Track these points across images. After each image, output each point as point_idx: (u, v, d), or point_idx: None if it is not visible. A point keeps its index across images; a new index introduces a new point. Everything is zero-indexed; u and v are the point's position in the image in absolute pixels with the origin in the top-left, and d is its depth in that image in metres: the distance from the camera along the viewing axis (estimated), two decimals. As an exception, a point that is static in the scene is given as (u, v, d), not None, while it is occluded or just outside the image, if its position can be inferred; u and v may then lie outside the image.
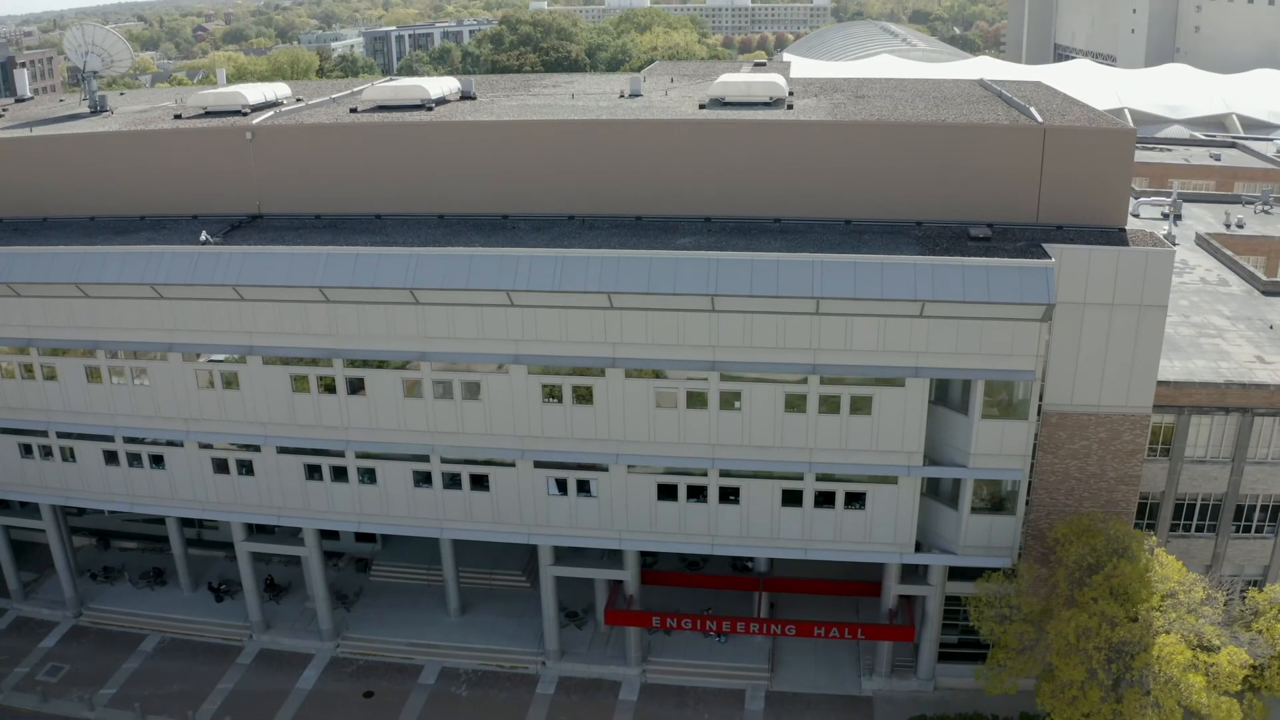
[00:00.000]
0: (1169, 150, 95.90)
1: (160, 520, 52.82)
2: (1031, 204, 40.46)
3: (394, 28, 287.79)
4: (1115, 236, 39.31)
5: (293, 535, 48.18)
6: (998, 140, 40.23)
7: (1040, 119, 41.10)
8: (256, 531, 48.98)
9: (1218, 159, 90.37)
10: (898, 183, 40.86)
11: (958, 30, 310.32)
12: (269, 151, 44.46)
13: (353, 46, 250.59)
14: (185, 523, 53.35)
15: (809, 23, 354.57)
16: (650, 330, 38.63)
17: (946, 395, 39.77)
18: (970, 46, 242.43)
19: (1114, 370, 38.74)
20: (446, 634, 49.12)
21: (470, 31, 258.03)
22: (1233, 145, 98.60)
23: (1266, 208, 72.99)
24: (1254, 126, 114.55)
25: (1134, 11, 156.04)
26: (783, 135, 41.36)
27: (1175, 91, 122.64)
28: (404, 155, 43.63)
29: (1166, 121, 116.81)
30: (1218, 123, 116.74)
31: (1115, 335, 38.20)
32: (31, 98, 64.30)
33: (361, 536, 55.49)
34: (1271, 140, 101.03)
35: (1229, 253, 60.46)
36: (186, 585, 52.71)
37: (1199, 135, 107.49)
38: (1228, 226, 67.41)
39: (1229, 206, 73.01)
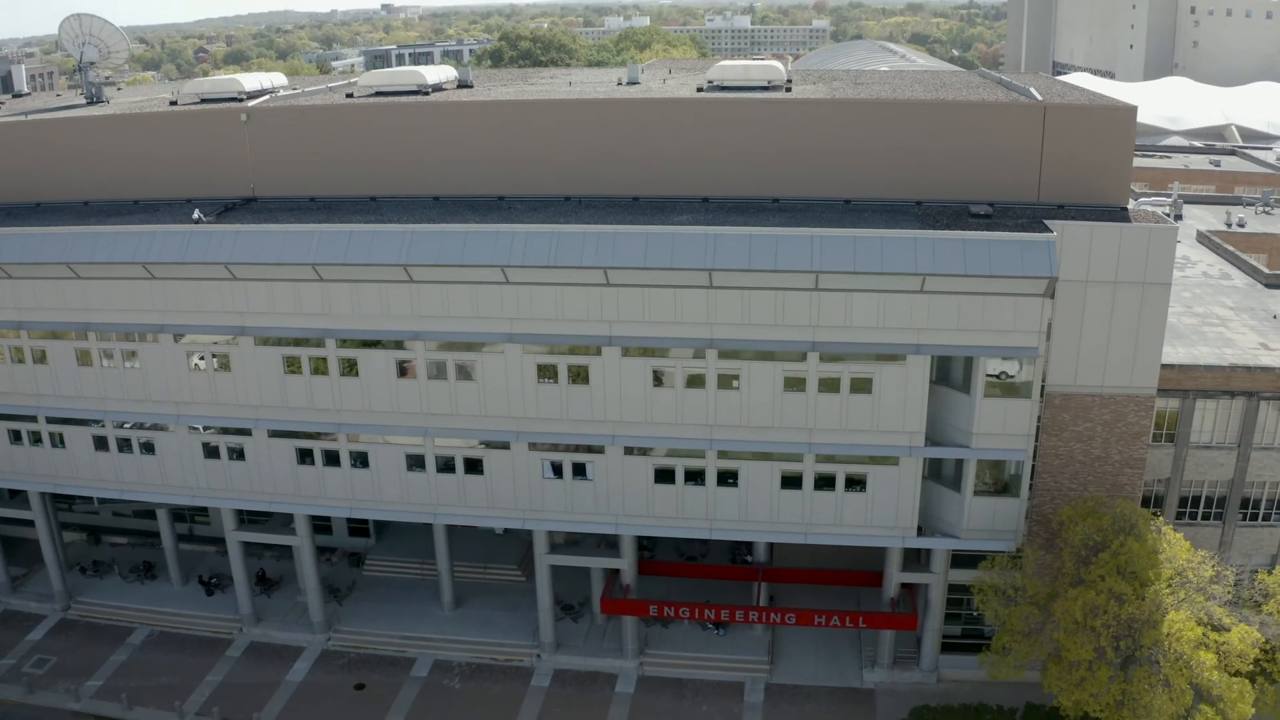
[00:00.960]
0: (1168, 157, 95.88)
1: (151, 515, 52.14)
2: (1032, 183, 40.06)
3: (394, 47, 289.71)
4: (1117, 215, 38.87)
5: (284, 525, 47.45)
6: (998, 118, 39.90)
7: (1040, 98, 40.80)
8: (248, 521, 48.28)
9: (1217, 165, 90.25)
10: (897, 162, 40.45)
11: (956, 52, 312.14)
12: (264, 133, 44.13)
13: (353, 65, 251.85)
14: (177, 518, 52.83)
15: (808, 44, 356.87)
16: (647, 307, 38.11)
17: (948, 375, 39.18)
18: (969, 67, 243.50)
19: (1117, 350, 38.18)
20: (440, 627, 48.24)
21: (470, 50, 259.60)
22: (1232, 153, 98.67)
23: (1267, 209, 72.70)
24: (1253, 137, 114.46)
25: (1132, 27, 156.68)
26: (781, 114, 41.05)
27: (1175, 103, 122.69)
28: (399, 137, 43.30)
29: (1166, 133, 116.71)
30: (1217, 133, 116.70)
31: (1118, 314, 37.67)
32: (29, 93, 64.15)
33: (354, 531, 54.85)
34: (1271, 149, 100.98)
35: (1230, 248, 60.11)
36: (177, 579, 51.90)
37: (1198, 145, 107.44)
38: (1228, 226, 67.07)
39: (1229, 207, 72.74)
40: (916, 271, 35.74)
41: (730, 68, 45.93)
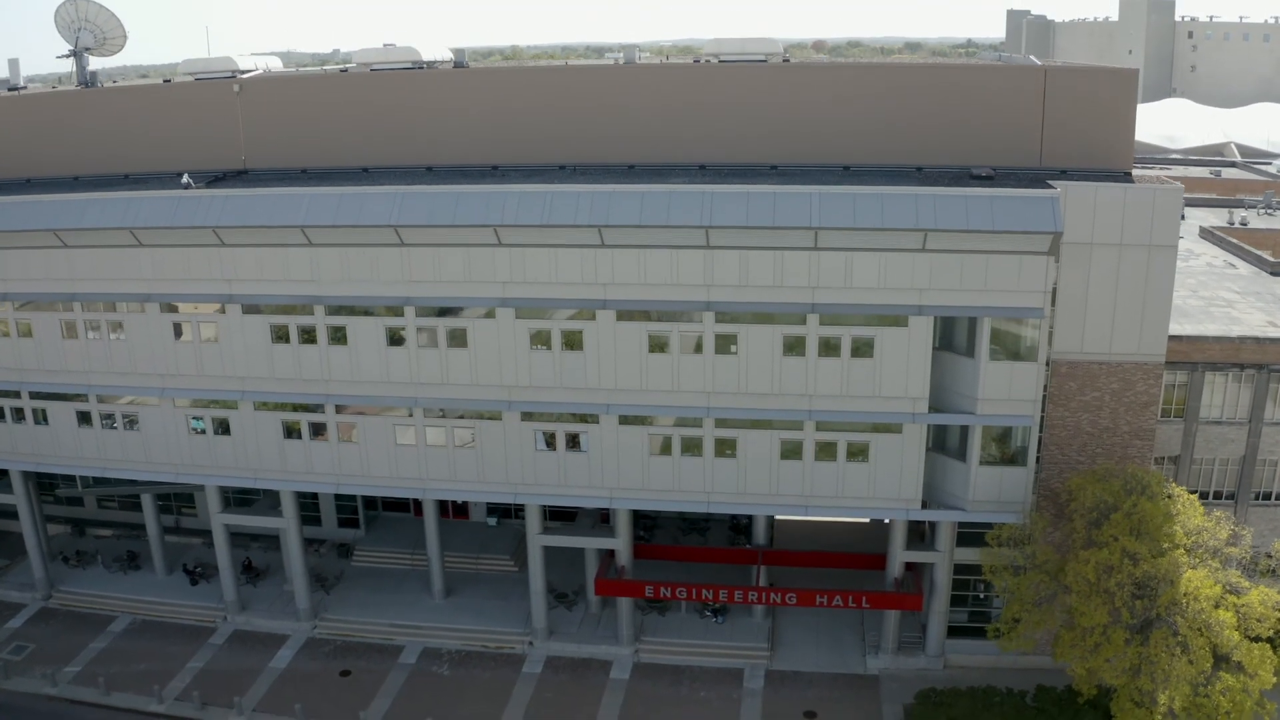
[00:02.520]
0: (1168, 169, 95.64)
1: (136, 506, 51.03)
2: (1034, 148, 39.45)
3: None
4: (1121, 179, 38.20)
5: (271, 509, 46.20)
6: (999, 82, 39.42)
7: (1040, 64, 40.34)
8: (234, 504, 47.10)
9: (1218, 175, 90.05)
10: (897, 128, 39.88)
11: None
12: (256, 105, 43.69)
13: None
14: (163, 510, 51.65)
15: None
16: (643, 269, 37.27)
17: (952, 339, 38.21)
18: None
19: (1124, 315, 37.31)
20: (429, 615, 46.78)
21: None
22: (1232, 165, 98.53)
23: (1269, 210, 72.24)
24: (1253, 155, 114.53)
25: (1130, 53, 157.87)
26: (779, 80, 40.62)
27: (1174, 123, 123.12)
28: (393, 108, 42.87)
29: (1165, 151, 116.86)
30: (1216, 151, 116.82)
31: (1125, 277, 36.86)
32: (25, 87, 63.80)
33: (344, 523, 53.58)
34: (1270, 164, 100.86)
35: (1235, 241, 59.50)
36: (161, 569, 50.51)
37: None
38: (1231, 225, 66.52)
39: (1232, 209, 72.24)
40: (918, 227, 34.95)
41: (727, 42, 45.44)
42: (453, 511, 53.21)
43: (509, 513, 52.94)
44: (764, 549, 45.41)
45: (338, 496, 52.78)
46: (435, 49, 50.02)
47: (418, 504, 51.89)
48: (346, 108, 43.20)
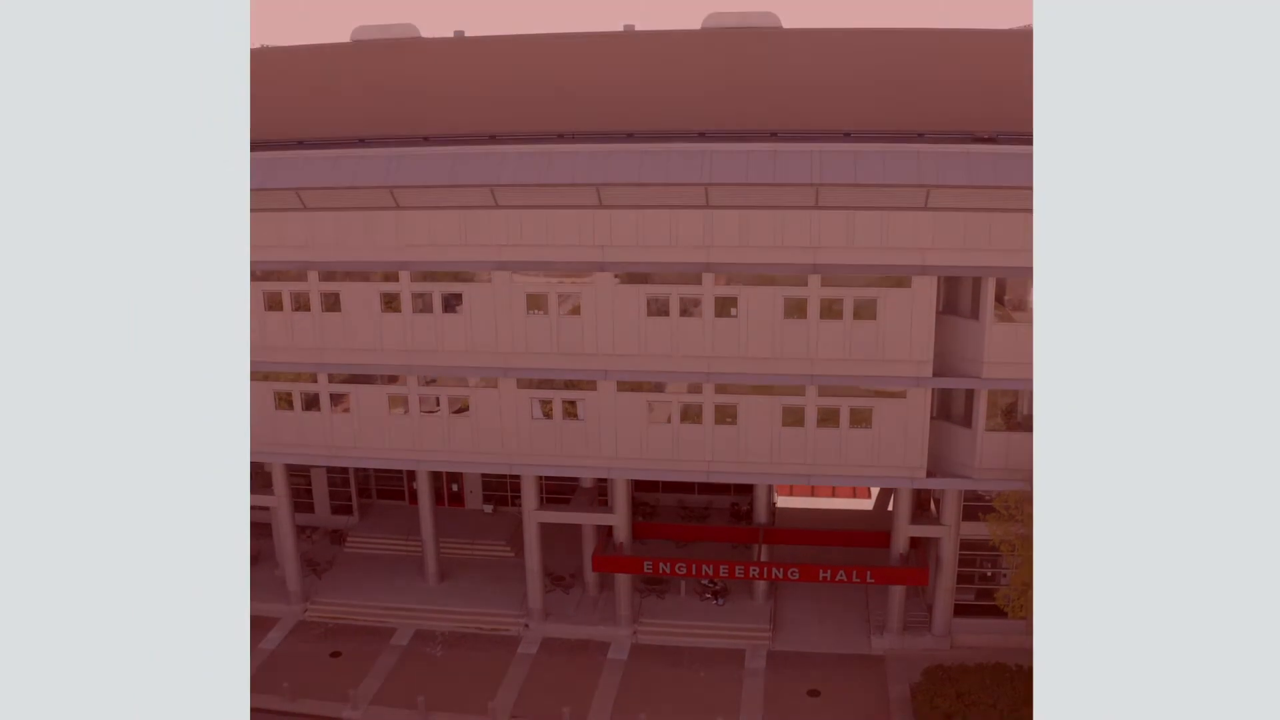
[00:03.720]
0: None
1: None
2: (1038, 114, 39.00)
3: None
4: (1126, 142, 37.76)
5: (262, 488, 45.20)
6: (1001, 47, 39.09)
7: (1043, 30, 40.09)
8: (224, 484, 46.05)
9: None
10: (898, 94, 39.51)
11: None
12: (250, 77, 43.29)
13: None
14: (152, 497, 50.62)
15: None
16: (641, 230, 36.69)
17: (956, 303, 37.57)
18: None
19: (1131, 278, 36.62)
20: (423, 598, 45.72)
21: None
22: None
23: (1272, 208, 72.04)
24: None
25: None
26: (778, 46, 40.29)
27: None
28: (389, 78, 42.49)
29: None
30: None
31: (1131, 240, 36.22)
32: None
33: (337, 509, 52.63)
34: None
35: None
36: (149, 555, 49.43)
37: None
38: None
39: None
40: (920, 183, 34.42)
41: (727, 16, 45.20)
42: (449, 499, 52.35)
43: (505, 501, 52.03)
44: (765, 527, 44.40)
45: (331, 482, 51.89)
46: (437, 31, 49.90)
47: (412, 492, 51.10)
48: (342, 79, 42.86)
